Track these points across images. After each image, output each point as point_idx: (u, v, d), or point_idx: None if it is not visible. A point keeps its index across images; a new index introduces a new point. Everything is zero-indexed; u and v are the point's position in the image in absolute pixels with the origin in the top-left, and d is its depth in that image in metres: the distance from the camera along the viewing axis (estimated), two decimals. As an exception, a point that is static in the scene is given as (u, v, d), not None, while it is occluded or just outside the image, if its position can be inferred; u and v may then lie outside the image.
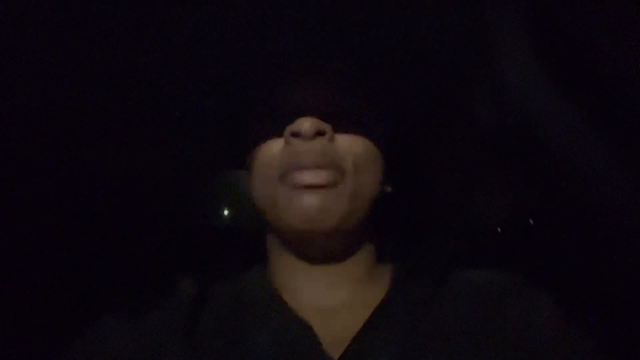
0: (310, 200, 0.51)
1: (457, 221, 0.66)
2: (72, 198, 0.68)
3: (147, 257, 0.66)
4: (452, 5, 0.53)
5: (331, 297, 0.55)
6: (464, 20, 0.54)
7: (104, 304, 0.56)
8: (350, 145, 0.53)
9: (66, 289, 0.67)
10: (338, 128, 0.53)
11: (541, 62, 0.51)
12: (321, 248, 0.55)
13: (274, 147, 0.54)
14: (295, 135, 0.52)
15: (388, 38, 0.56)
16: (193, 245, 0.67)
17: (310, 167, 0.51)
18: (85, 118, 0.62)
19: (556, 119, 0.53)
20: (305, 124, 0.51)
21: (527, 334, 0.51)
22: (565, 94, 0.51)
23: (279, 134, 0.54)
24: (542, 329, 0.52)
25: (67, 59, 0.56)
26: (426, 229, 0.63)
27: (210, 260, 0.63)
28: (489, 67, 0.56)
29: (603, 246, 0.54)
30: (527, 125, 0.54)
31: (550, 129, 0.53)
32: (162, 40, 0.53)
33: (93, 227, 0.69)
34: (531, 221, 0.65)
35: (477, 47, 0.55)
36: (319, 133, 0.52)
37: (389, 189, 0.58)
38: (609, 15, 0.49)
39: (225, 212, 0.71)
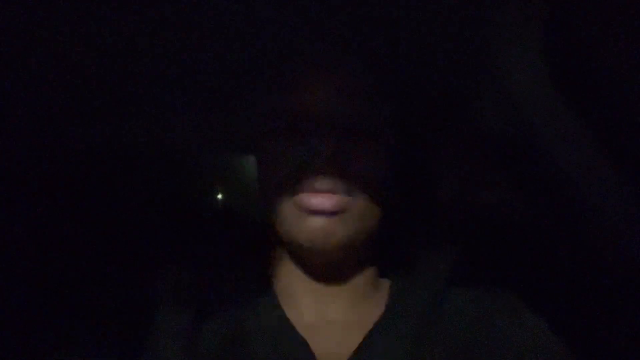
0: (318, 224, 0.50)
1: (457, 230, 0.66)
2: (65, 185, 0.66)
3: (144, 245, 0.64)
4: (458, 8, 0.53)
5: (331, 311, 0.55)
6: (470, 23, 0.54)
7: (95, 301, 0.55)
8: (363, 163, 0.52)
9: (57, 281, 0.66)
10: (350, 134, 0.52)
11: (545, 65, 0.52)
12: (324, 262, 0.54)
13: (284, 156, 0.52)
14: (311, 153, 0.50)
15: (395, 40, 0.56)
16: (192, 232, 0.66)
17: (323, 192, 0.50)
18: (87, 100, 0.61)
19: (557, 123, 0.53)
20: (324, 146, 0.49)
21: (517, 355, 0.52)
22: (567, 98, 0.52)
23: (290, 131, 0.52)
24: (532, 353, 0.52)
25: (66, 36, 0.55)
26: (425, 242, 0.63)
27: (208, 250, 0.62)
28: (494, 71, 0.56)
29: (596, 250, 0.55)
30: (529, 129, 0.55)
31: (550, 133, 0.54)
32: (173, 25, 0.53)
33: (86, 214, 0.68)
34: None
35: (483, 51, 0.56)
36: (336, 153, 0.50)
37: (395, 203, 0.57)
38: (614, 21, 0.49)
39: (226, 198, 0.70)
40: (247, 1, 0.50)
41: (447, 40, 0.56)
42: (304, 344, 0.51)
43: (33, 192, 0.65)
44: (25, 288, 0.62)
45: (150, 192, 0.68)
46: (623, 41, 0.47)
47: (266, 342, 0.51)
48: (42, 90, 0.61)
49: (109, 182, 0.66)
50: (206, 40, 0.55)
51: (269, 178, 0.53)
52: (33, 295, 0.63)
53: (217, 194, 0.71)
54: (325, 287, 0.55)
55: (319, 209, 0.50)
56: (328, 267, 0.55)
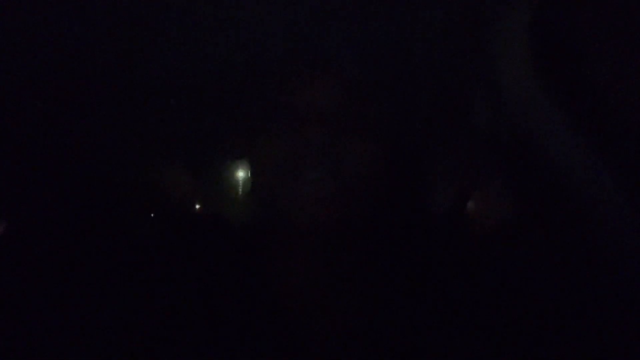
0: (311, 217, 0.51)
1: (454, 226, 0.66)
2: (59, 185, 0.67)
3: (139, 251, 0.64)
4: (453, 10, 0.53)
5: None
6: (464, 25, 0.55)
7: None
8: (356, 158, 0.52)
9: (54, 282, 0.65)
10: (343, 131, 0.52)
11: (539, 67, 0.52)
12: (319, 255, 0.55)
13: (277, 154, 0.53)
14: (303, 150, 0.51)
15: (390, 41, 0.56)
16: (185, 236, 0.65)
17: (316, 189, 0.51)
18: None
19: (550, 124, 0.53)
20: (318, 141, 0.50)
21: None
22: (561, 100, 0.52)
23: (282, 131, 0.53)
24: None
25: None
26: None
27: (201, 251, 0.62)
28: (488, 72, 0.57)
29: (593, 252, 0.55)
30: (523, 130, 0.55)
31: (544, 134, 0.54)
32: (166, 27, 0.53)
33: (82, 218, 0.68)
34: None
35: (477, 52, 0.56)
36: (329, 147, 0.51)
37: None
38: (606, 23, 0.49)
39: (221, 202, 0.70)
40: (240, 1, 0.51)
41: (442, 38, 0.57)
42: None
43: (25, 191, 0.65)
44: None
45: (139, 194, 0.68)
46: (616, 40, 0.48)
47: None
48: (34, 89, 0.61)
49: (101, 183, 0.67)
50: (199, 40, 0.56)
51: (263, 175, 0.54)
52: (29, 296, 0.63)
53: (208, 196, 0.71)
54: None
55: (313, 202, 0.51)
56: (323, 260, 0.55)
